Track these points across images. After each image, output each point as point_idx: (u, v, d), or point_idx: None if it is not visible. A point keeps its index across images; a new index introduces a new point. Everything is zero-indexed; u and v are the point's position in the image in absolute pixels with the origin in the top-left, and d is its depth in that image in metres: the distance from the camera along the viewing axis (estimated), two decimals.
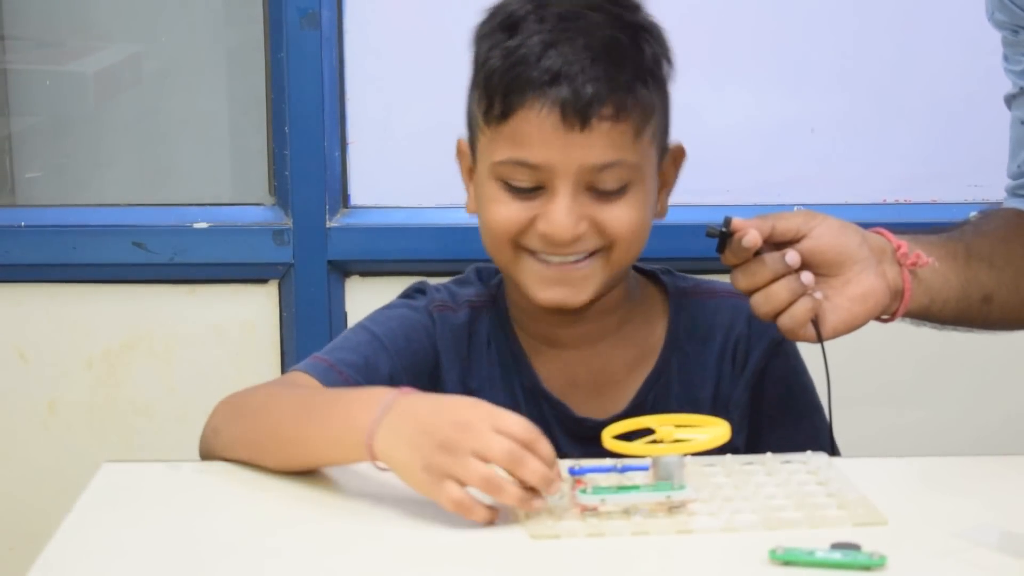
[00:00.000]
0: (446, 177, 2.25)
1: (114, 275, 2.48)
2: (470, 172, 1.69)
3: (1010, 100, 1.80)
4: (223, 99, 2.57)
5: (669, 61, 1.64)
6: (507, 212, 1.61)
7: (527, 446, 1.36)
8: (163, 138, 2.59)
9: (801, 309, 1.54)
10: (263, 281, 2.49)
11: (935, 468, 1.56)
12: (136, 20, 2.58)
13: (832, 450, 1.68)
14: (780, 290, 1.54)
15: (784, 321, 1.55)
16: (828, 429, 1.68)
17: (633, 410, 1.68)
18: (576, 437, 1.64)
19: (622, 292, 1.71)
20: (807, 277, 1.55)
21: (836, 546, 1.30)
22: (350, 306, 2.47)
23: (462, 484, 1.36)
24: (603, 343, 1.72)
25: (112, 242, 2.46)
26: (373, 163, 2.45)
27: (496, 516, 1.37)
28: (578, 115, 1.56)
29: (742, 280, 1.56)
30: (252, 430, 1.55)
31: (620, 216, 1.60)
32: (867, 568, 1.29)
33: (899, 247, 1.60)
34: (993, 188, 2.35)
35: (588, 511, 1.38)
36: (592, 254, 1.62)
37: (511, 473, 1.35)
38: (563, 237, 1.59)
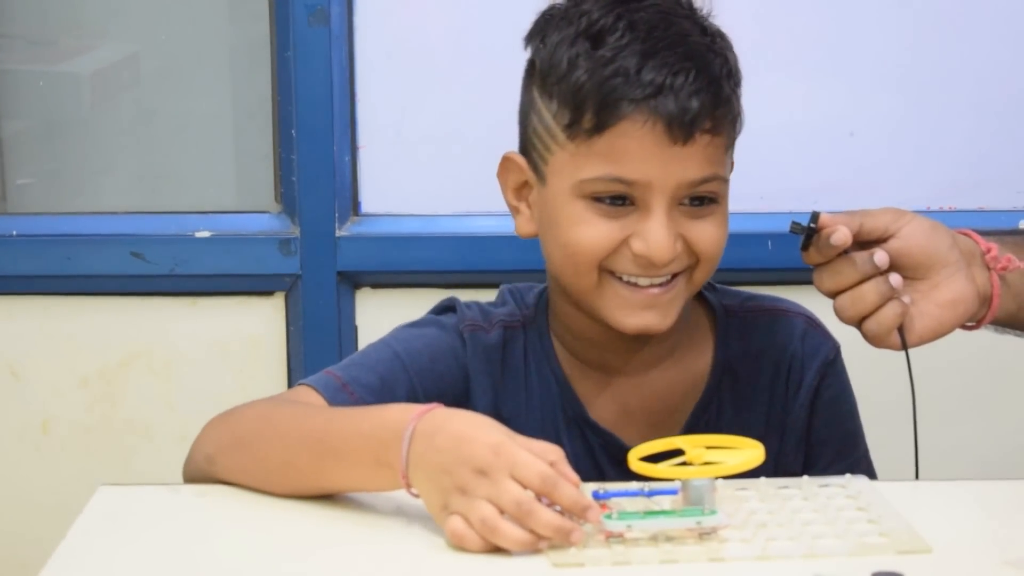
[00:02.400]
0: (462, 183, 2.38)
1: (111, 287, 2.47)
2: (520, 190, 1.65)
3: None
4: (227, 101, 2.55)
5: (738, 68, 1.63)
6: (596, 233, 1.56)
7: (546, 492, 1.35)
8: (163, 142, 2.58)
9: (889, 314, 1.52)
10: (269, 293, 2.47)
11: (982, 492, 1.54)
12: (134, 17, 2.57)
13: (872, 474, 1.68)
14: (868, 292, 1.52)
15: (870, 326, 1.53)
16: (868, 453, 1.72)
17: None
18: (625, 467, 1.58)
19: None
20: (896, 279, 1.53)
21: None
22: (360, 320, 2.45)
23: (468, 521, 1.37)
24: (655, 369, 1.69)
25: (109, 252, 2.45)
26: (385, 169, 2.43)
27: (491, 548, 1.36)
28: (683, 129, 1.53)
29: (827, 280, 1.54)
30: (258, 459, 1.52)
31: (709, 233, 1.58)
32: None
33: (989, 250, 1.58)
34: None
35: (614, 538, 1.37)
36: (676, 275, 1.60)
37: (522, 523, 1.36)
38: (662, 257, 1.55)
